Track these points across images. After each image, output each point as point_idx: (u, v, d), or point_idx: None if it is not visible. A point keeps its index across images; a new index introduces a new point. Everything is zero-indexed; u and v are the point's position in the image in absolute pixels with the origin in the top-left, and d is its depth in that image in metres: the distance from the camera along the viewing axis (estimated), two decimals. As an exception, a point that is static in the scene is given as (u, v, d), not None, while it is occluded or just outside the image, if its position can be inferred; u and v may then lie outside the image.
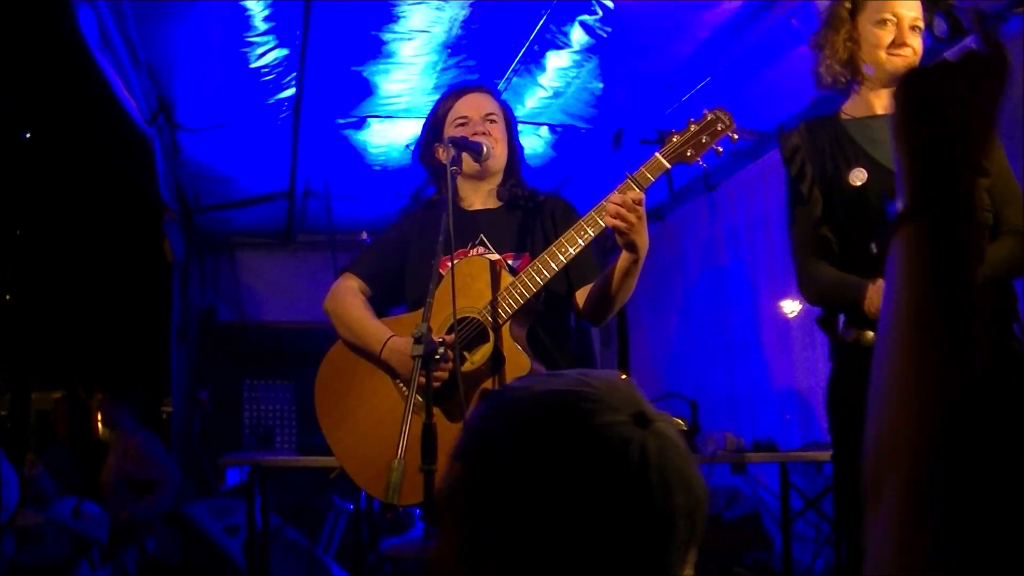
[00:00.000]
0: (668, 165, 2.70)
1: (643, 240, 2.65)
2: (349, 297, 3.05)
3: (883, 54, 2.79)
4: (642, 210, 2.61)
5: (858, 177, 2.75)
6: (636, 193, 2.61)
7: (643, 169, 2.70)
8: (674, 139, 2.71)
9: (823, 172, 2.81)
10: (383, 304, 3.11)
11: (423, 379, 2.45)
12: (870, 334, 2.69)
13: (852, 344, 2.75)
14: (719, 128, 2.69)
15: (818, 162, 2.82)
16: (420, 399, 2.44)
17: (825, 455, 4.77)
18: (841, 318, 2.88)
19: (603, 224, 2.68)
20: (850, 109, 2.88)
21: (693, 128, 2.70)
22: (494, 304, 2.75)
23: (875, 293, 2.59)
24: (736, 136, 2.72)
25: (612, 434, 1.00)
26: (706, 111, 2.72)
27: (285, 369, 8.23)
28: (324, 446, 3.07)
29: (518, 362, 2.74)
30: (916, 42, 2.78)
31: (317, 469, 4.52)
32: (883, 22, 2.79)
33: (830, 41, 2.85)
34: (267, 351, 8.17)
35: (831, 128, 2.86)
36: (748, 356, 6.25)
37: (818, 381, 5.43)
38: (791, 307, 5.78)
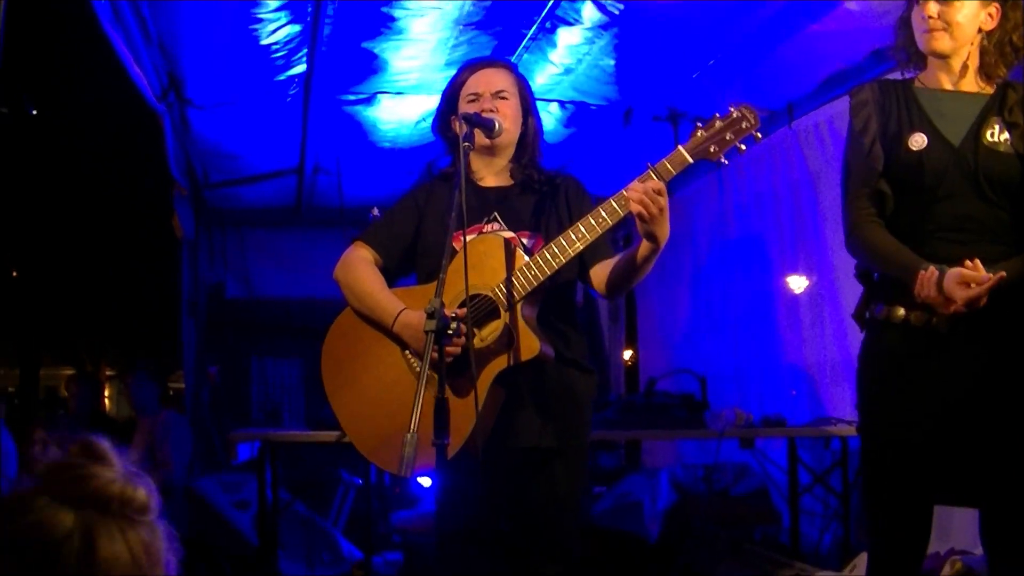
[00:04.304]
0: (691, 160, 2.66)
1: (664, 231, 2.65)
2: (361, 267, 3.02)
3: (919, 33, 2.80)
4: (664, 201, 2.59)
5: (917, 142, 2.74)
6: (656, 182, 2.59)
7: (665, 161, 2.66)
8: (698, 134, 2.66)
9: (886, 130, 2.79)
10: (394, 275, 3.09)
11: (435, 354, 2.45)
12: (901, 311, 2.70)
13: (883, 321, 2.76)
14: (744, 126, 2.64)
15: (883, 120, 2.80)
16: (432, 373, 2.44)
17: (833, 431, 4.81)
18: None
19: (621, 212, 2.67)
20: (924, 79, 2.87)
21: (718, 124, 2.66)
22: (509, 283, 2.75)
23: (927, 280, 2.58)
24: (760, 136, 2.68)
25: None
26: (732, 107, 2.67)
27: (293, 345, 8.26)
28: (333, 420, 3.07)
29: (528, 344, 2.74)
30: (952, 12, 2.73)
31: (327, 444, 4.55)
32: (918, 1, 2.79)
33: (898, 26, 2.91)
34: (275, 327, 8.20)
35: (902, 91, 2.85)
36: (757, 332, 6.26)
37: (827, 357, 5.45)
38: (799, 283, 5.79)
